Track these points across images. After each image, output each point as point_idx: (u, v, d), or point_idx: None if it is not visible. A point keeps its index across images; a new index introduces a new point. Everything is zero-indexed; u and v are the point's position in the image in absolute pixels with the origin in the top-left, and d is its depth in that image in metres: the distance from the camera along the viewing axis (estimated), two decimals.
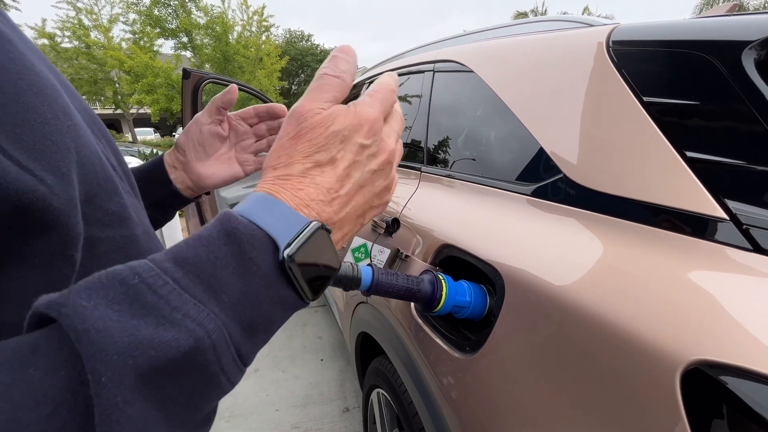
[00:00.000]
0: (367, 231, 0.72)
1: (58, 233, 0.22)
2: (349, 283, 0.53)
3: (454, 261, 0.72)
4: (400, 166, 1.16)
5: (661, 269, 0.42)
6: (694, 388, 0.34)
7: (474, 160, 0.85)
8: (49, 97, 0.23)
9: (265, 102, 2.20)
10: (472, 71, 0.89)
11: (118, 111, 19.19)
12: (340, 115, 0.27)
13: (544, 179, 0.63)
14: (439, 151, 0.99)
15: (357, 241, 0.72)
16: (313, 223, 0.24)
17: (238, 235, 0.21)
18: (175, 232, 2.40)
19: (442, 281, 0.62)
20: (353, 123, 0.27)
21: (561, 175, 0.59)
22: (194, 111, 1.78)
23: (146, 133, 23.51)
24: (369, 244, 0.72)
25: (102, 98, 17.19)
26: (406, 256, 0.74)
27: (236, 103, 0.52)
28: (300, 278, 0.23)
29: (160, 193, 0.49)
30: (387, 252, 0.75)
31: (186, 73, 1.70)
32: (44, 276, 0.22)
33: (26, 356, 0.16)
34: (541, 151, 0.64)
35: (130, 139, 20.10)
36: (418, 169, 1.01)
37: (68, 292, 0.18)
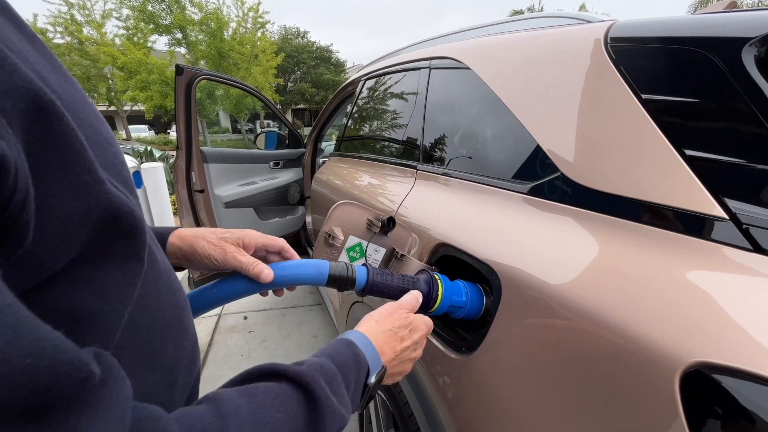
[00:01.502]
0: (362, 230, 0.71)
1: (135, 237, 0.25)
2: (344, 283, 0.52)
3: (450, 260, 0.71)
4: (395, 164, 1.15)
5: (659, 269, 0.41)
6: (694, 391, 0.33)
7: (470, 158, 0.84)
8: (99, 116, 0.26)
9: (260, 98, 2.17)
10: (468, 68, 0.88)
11: (112, 108, 18.97)
12: (414, 319, 0.51)
13: (541, 177, 0.62)
14: (435, 149, 0.98)
15: (352, 240, 0.71)
16: (383, 366, 0.43)
17: (360, 359, 0.40)
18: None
19: (438, 281, 0.61)
20: (417, 326, 0.50)
21: (558, 174, 0.58)
22: (187, 108, 1.75)
23: (140, 131, 23.25)
24: (364, 243, 0.71)
25: (95, 95, 16.99)
26: (402, 255, 0.73)
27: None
28: (366, 395, 0.40)
29: None
30: (382, 251, 0.74)
31: (179, 70, 1.68)
32: (121, 271, 0.25)
33: (284, 403, 0.30)
34: (538, 149, 0.63)
35: (125, 136, 19.92)
36: (414, 167, 1.00)
37: (311, 372, 0.33)
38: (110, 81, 16.44)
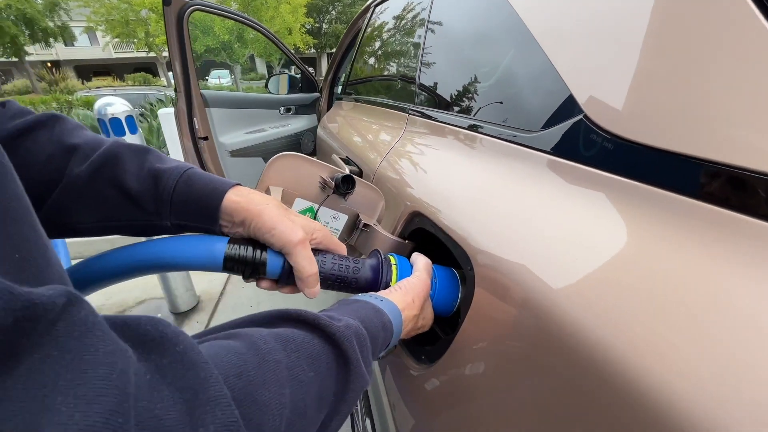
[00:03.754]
0: (315, 191, 0.55)
1: None
2: (248, 267, 0.38)
3: (429, 236, 0.54)
4: (390, 107, 0.95)
5: (724, 285, 0.23)
6: None
7: (475, 100, 0.62)
8: None
9: (261, 31, 1.95)
10: None
11: (152, 54, 19.21)
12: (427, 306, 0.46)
13: (565, 130, 0.41)
14: (434, 90, 0.76)
15: (300, 204, 0.55)
16: (395, 346, 0.41)
17: (387, 327, 0.37)
18: None
19: (393, 266, 0.45)
20: (427, 314, 0.46)
21: (590, 123, 0.37)
22: (181, 44, 1.59)
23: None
24: (316, 206, 0.55)
25: (135, 40, 17.15)
26: (366, 225, 0.57)
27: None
28: (387, 351, 0.39)
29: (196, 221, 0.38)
30: (343, 219, 0.58)
31: (166, 0, 1.50)
32: None
33: (317, 361, 0.26)
34: (565, 91, 0.41)
35: (165, 83, 20.24)
36: (405, 111, 0.80)
37: (349, 333, 0.29)
38: (148, 25, 16.41)
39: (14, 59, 19.69)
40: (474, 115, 0.58)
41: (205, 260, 0.37)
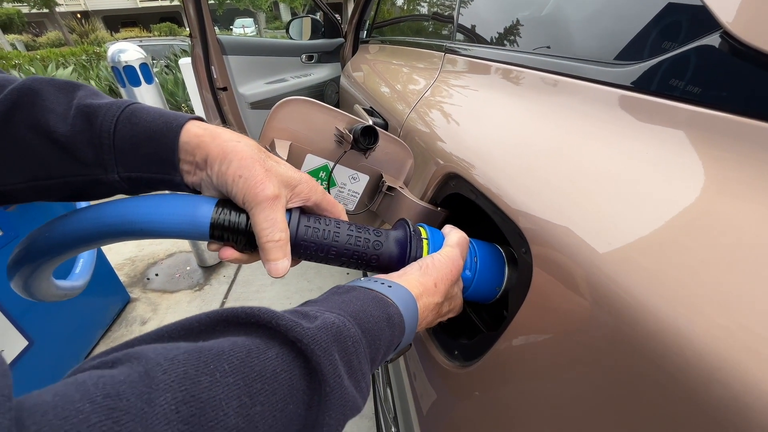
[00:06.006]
0: (330, 145, 0.45)
1: None
2: (241, 237, 0.30)
3: (468, 204, 0.44)
4: (415, 45, 0.81)
5: None
6: None
7: (535, 28, 0.49)
8: None
9: None
10: None
11: (176, 2, 18.72)
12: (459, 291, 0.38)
13: (672, 50, 0.29)
14: (476, 22, 0.62)
15: (312, 161, 0.46)
16: (410, 345, 0.34)
17: (395, 321, 0.28)
18: None
19: (424, 240, 0.36)
20: (458, 301, 0.37)
21: (733, 42, 0.25)
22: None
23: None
24: (330, 164, 0.46)
25: None
26: (390, 188, 0.47)
27: None
28: (396, 353, 0.32)
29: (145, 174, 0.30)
30: (364, 180, 0.49)
31: None
32: None
33: (269, 385, 0.18)
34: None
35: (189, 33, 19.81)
36: (441, 48, 0.67)
37: (319, 334, 0.21)
38: None
39: (45, 10, 19.81)
40: (531, 48, 0.45)
41: (185, 227, 0.29)
